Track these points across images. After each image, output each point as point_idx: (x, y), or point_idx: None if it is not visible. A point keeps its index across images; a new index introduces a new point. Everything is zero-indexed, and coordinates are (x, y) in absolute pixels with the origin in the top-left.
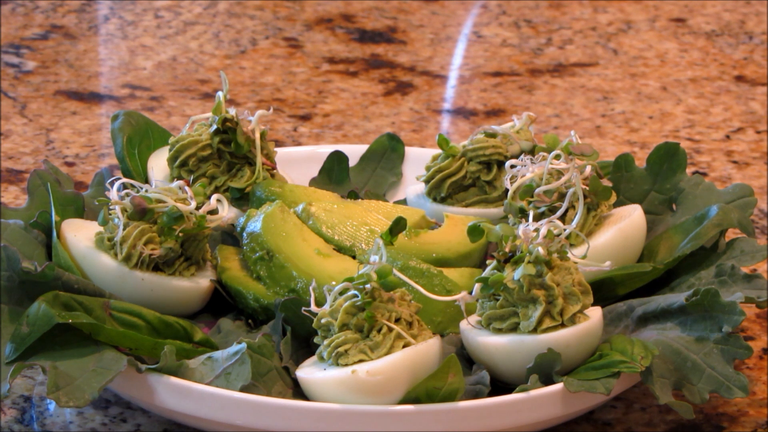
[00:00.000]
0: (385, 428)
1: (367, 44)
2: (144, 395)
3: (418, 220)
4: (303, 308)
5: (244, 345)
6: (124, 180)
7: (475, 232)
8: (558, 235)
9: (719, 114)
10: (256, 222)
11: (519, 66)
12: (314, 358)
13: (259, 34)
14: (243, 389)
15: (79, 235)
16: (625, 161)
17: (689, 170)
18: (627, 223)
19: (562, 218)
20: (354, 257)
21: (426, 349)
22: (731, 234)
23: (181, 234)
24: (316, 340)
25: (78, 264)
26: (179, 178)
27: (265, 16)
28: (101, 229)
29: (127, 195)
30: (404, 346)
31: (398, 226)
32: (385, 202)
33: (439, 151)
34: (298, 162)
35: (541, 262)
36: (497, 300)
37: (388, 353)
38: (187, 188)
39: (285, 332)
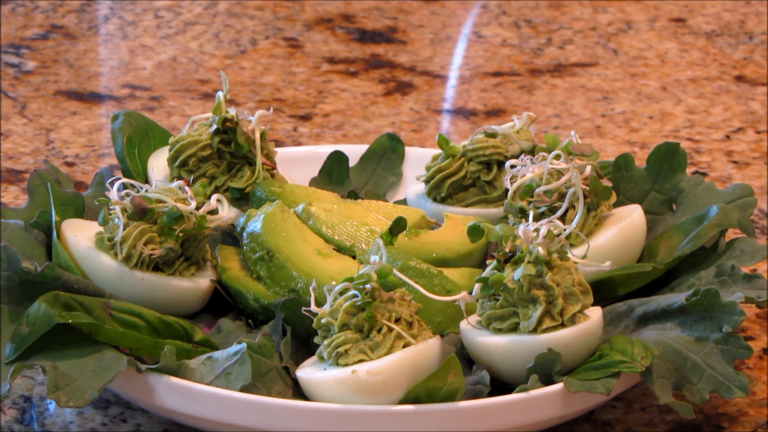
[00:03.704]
0: (385, 428)
1: (367, 44)
2: (144, 395)
3: (418, 220)
4: (303, 308)
5: (244, 345)
6: (124, 180)
7: (475, 232)
8: (558, 235)
9: (719, 114)
10: (256, 222)
11: (519, 66)
12: (314, 358)
13: (259, 34)
14: (243, 389)
15: (79, 235)
16: (625, 161)
17: (689, 170)
18: (627, 223)
19: (562, 218)
20: (354, 257)
21: (426, 349)
22: (731, 234)
23: (181, 234)
24: (316, 340)
25: (78, 264)
26: (179, 178)
27: (265, 16)
28: (101, 229)
29: (127, 195)
30: (404, 346)
31: (398, 226)
32: (385, 202)
33: (439, 151)
34: (298, 162)
35: (541, 262)
36: (497, 300)
37: (388, 353)
38: (187, 188)
39: (285, 332)
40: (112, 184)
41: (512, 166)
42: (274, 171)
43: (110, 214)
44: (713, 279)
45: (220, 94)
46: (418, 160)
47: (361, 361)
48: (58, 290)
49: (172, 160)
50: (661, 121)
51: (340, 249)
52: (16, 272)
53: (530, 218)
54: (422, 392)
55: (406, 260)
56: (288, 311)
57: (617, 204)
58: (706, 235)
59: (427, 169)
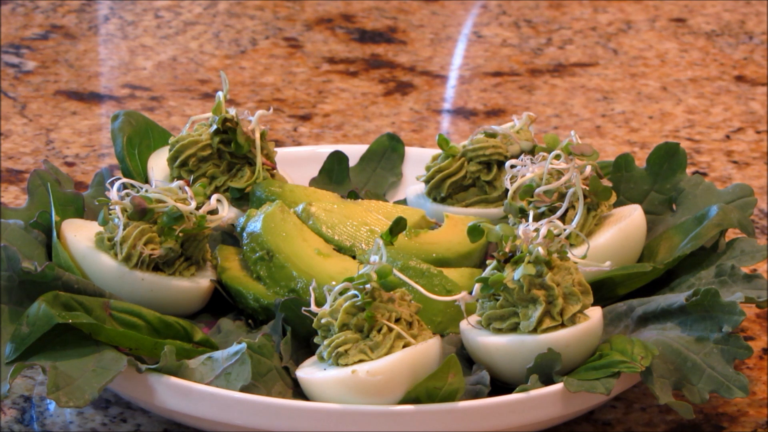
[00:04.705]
0: (385, 428)
1: (367, 44)
2: (144, 395)
3: (418, 220)
4: (303, 308)
5: (244, 345)
6: (124, 180)
7: (475, 232)
8: (558, 235)
9: (719, 114)
10: (256, 222)
11: (519, 66)
12: (314, 358)
13: (259, 34)
14: (243, 389)
15: (79, 235)
16: (625, 161)
17: (689, 170)
18: (627, 223)
19: (562, 218)
20: (354, 257)
21: (426, 349)
22: (731, 234)
23: (181, 234)
24: (316, 340)
25: (78, 264)
26: (179, 178)
27: (265, 16)
28: (101, 229)
29: (127, 195)
30: (404, 346)
31: (398, 226)
32: (385, 202)
33: (439, 151)
34: (298, 162)
35: (541, 262)
36: (497, 300)
37: (388, 353)
38: (187, 188)
39: (285, 332)
40: (112, 184)
41: (512, 166)
42: (274, 171)
43: (110, 214)
44: (713, 279)
45: (220, 94)
46: (418, 160)
47: (361, 361)
48: (58, 290)
49: (172, 160)
50: (661, 121)
51: (340, 249)
52: (16, 272)
53: (530, 218)
54: (422, 392)
55: (406, 260)
56: (288, 311)
57: (617, 204)
58: (706, 235)
59: (427, 169)
